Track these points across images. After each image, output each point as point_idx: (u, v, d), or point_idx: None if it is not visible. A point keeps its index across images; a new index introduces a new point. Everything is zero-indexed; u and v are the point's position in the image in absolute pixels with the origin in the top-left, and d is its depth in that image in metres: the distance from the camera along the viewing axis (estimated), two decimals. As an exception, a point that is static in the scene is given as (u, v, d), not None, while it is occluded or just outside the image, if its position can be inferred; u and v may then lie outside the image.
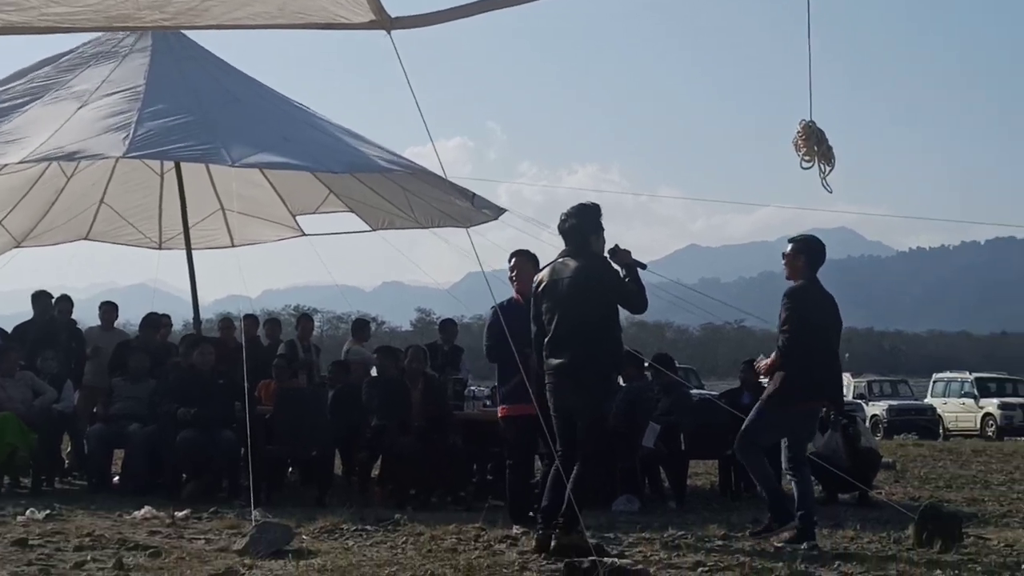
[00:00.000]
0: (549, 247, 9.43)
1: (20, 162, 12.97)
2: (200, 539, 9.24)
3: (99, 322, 15.80)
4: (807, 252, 9.83)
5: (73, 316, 15.59)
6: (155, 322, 15.31)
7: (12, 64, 15.73)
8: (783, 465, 9.88)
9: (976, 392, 40.42)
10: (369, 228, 17.38)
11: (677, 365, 15.29)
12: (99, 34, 15.20)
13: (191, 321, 17.27)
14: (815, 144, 9.97)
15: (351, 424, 13.10)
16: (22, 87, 14.29)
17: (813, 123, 10.02)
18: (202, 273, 17.01)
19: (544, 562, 8.18)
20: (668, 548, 9.05)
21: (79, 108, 13.63)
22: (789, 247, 9.93)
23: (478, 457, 13.57)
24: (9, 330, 15.32)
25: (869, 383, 45.94)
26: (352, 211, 17.17)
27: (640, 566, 7.34)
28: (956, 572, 7.70)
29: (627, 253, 9.13)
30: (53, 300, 15.41)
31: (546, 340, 9.02)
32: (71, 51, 15.04)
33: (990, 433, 38.14)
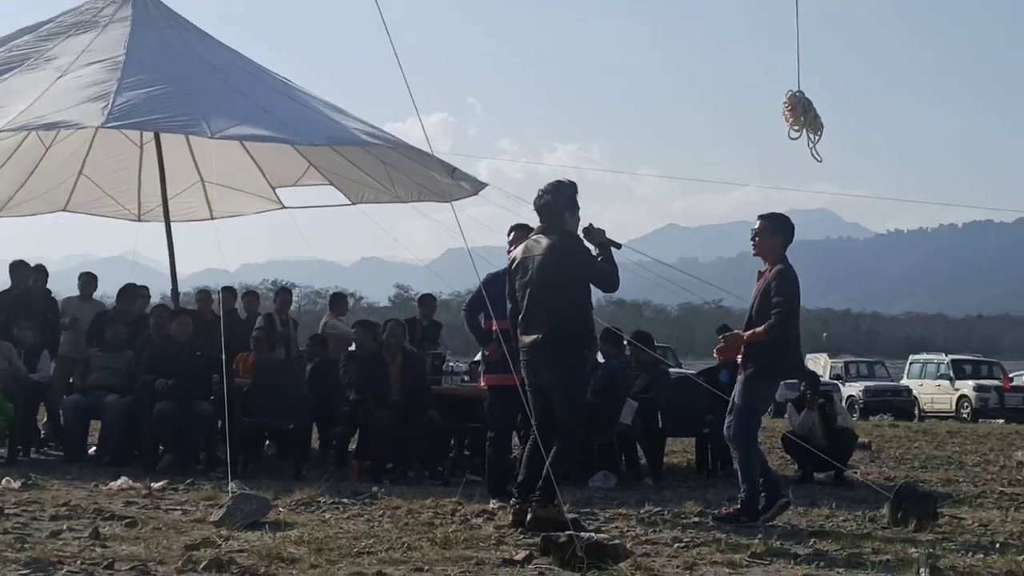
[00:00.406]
0: (529, 224, 9.42)
1: (-2, 131, 12.90)
2: (177, 510, 9.23)
3: (77, 293, 15.73)
4: (785, 232, 9.76)
5: (49, 287, 15.50)
6: (132, 293, 15.24)
7: (-9, 33, 15.58)
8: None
9: (952, 374, 40.57)
10: (349, 202, 17.32)
11: (655, 344, 15.29)
12: (80, 2, 15.14)
13: (169, 293, 17.21)
14: (802, 114, 9.97)
15: (329, 398, 13.09)
16: (1, 56, 14.20)
17: (800, 93, 10.01)
18: (181, 246, 16.94)
19: (521, 536, 8.20)
20: (645, 524, 9.08)
21: (58, 78, 13.55)
22: (761, 224, 9.77)
23: (456, 432, 13.59)
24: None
25: (846, 364, 46.09)
26: (332, 184, 17.11)
27: (616, 541, 7.35)
28: (930, 551, 7.74)
29: (601, 232, 9.11)
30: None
31: (519, 316, 9.04)
32: (50, 20, 14.96)
33: (965, 415, 38.30)
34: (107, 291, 20.07)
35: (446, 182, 14.79)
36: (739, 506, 9.46)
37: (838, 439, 13.43)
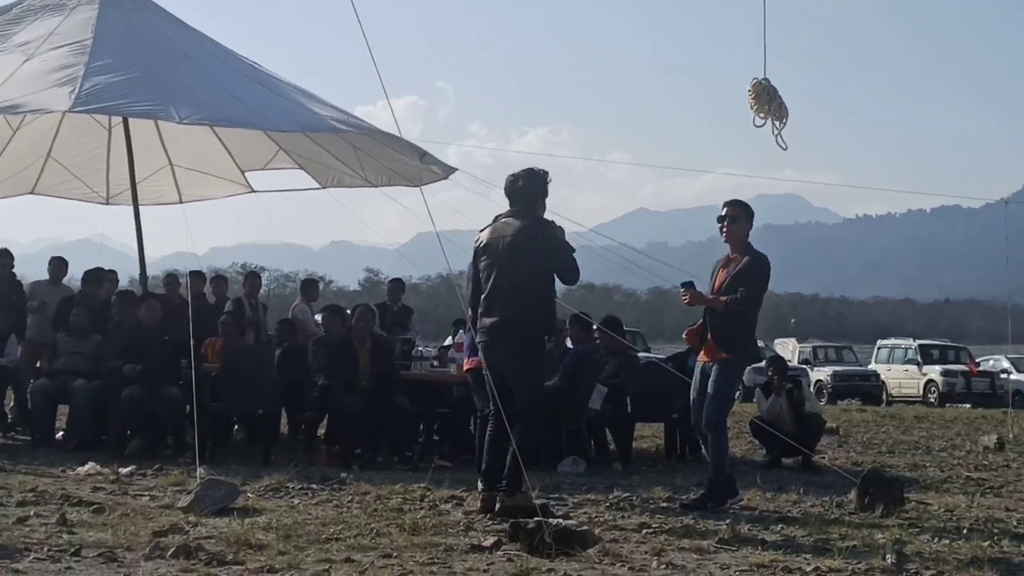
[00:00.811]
0: (499, 208, 9.40)
1: (-36, 115, 12.80)
2: (144, 496, 9.22)
3: (46, 276, 15.62)
4: (750, 218, 9.86)
5: (17, 271, 15.40)
6: (97, 277, 15.14)
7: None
8: (702, 423, 9.77)
9: (919, 359, 40.73)
10: (318, 186, 17.28)
11: (625, 328, 15.31)
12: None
13: (137, 277, 17.13)
14: (767, 102, 9.99)
15: (298, 383, 13.06)
16: (-33, 39, 14.09)
17: (765, 80, 10.03)
18: (149, 229, 16.85)
19: (489, 522, 8.22)
20: (613, 509, 9.11)
21: (25, 61, 13.46)
22: (731, 210, 9.79)
23: (425, 417, 13.59)
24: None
25: (814, 349, 46.27)
26: (301, 168, 17.06)
27: (585, 527, 7.37)
28: (897, 537, 7.79)
29: (561, 230, 9.17)
30: (-3, 254, 15.21)
31: (482, 298, 9.03)
32: (18, 2, 14.83)
33: (932, 400, 38.47)
34: (75, 275, 20.00)
35: (415, 165, 14.75)
36: (705, 492, 9.52)
37: (806, 424, 13.48)
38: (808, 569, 6.66)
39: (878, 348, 44.41)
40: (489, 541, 7.21)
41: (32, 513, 8.01)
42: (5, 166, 16.80)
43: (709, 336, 9.64)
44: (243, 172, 17.71)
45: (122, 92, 12.93)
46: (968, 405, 35.73)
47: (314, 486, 9.94)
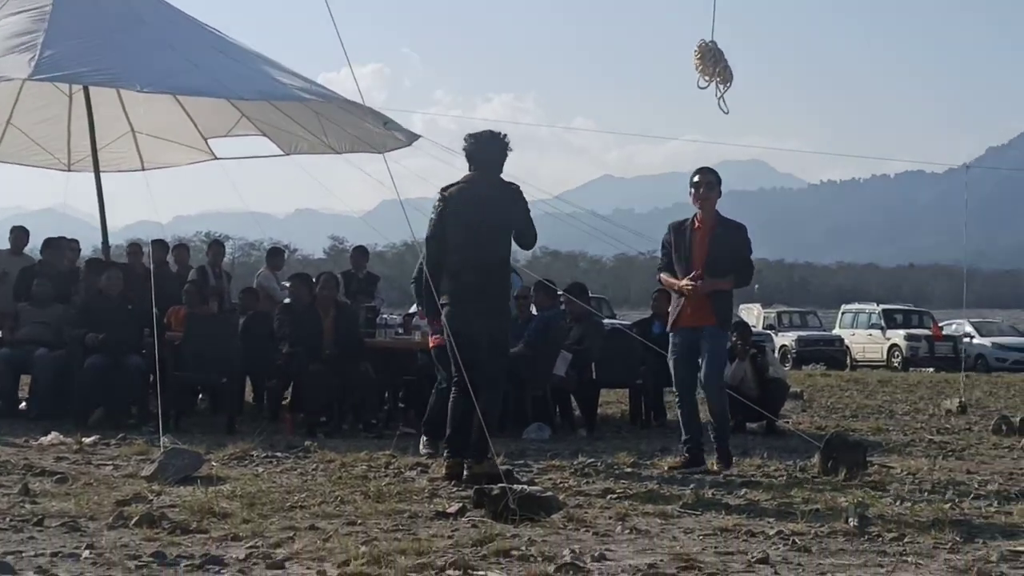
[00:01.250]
0: (463, 174, 9.35)
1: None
2: (108, 465, 9.17)
3: (7, 246, 15.51)
4: (720, 186, 10.02)
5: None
6: (56, 244, 15.03)
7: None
8: (702, 380, 9.96)
9: (883, 323, 40.98)
10: (282, 152, 17.18)
11: (590, 295, 15.33)
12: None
13: (100, 246, 17.01)
14: (712, 64, 10.02)
15: (261, 351, 13.03)
16: (-77, 5, 13.91)
17: (712, 43, 10.06)
18: (113, 198, 16.77)
19: (454, 489, 8.22)
20: (578, 475, 9.12)
21: (-17, 27, 13.30)
22: (705, 177, 9.93)
23: (390, 385, 13.58)
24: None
25: (778, 314, 46.46)
26: (264, 135, 16.96)
27: (549, 493, 7.38)
28: (859, 500, 7.83)
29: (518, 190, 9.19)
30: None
31: (450, 261, 8.94)
32: (-25, -32, 14.64)
33: (896, 364, 38.73)
34: (38, 244, 19.90)
35: (379, 132, 14.69)
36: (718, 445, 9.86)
37: (770, 389, 13.55)
38: (771, 532, 6.68)
39: (842, 313, 44.68)
40: (454, 508, 7.21)
41: (-6, 483, 7.97)
42: (-36, 135, 16.64)
43: (687, 304, 9.78)
44: (206, 139, 17.58)
45: (82, 60, 12.79)
46: (931, 369, 35.98)
47: (278, 454, 9.93)
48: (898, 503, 7.94)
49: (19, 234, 15.58)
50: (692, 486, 8.54)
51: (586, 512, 7.33)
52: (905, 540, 6.53)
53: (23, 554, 5.70)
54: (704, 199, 9.90)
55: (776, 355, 32.33)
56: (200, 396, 14.86)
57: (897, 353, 39.39)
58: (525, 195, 9.14)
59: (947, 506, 7.80)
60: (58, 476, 8.35)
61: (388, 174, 10.52)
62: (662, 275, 10.17)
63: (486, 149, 9.04)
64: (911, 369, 37.05)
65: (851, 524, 6.88)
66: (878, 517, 7.25)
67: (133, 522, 6.49)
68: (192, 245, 19.48)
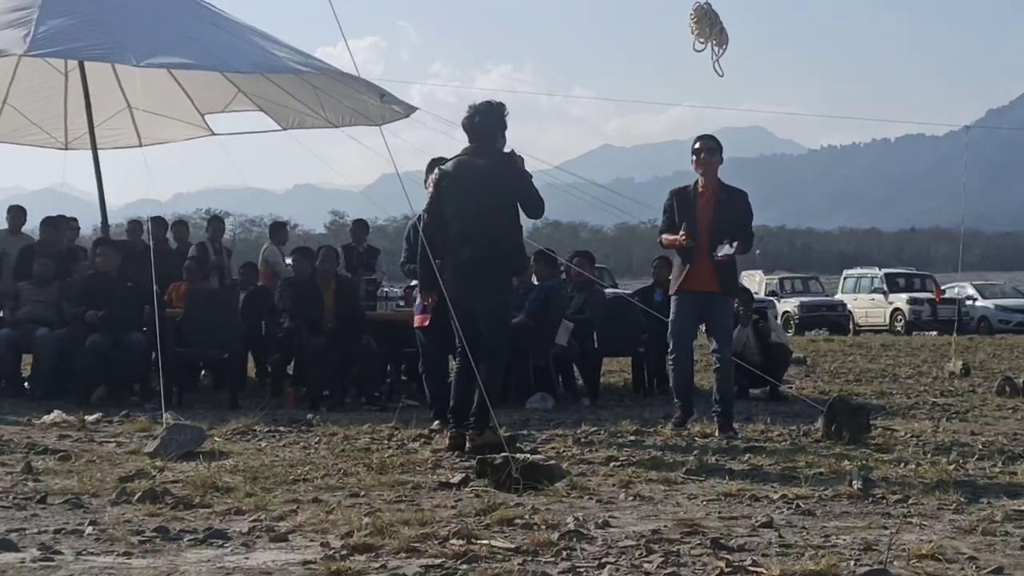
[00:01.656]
0: (462, 147, 9.31)
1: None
2: (111, 442, 9.17)
3: (5, 226, 15.48)
4: (721, 152, 10.03)
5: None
6: (55, 223, 14.98)
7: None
8: (718, 355, 10.10)
9: (885, 288, 40.94)
10: (279, 127, 17.15)
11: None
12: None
13: (99, 225, 16.99)
14: (707, 26, 9.98)
15: (264, 326, 13.01)
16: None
17: (707, 5, 10.02)
18: (111, 177, 16.73)
19: (457, 459, 8.22)
20: (581, 444, 9.11)
21: (-24, 5, 13.26)
22: (706, 143, 9.96)
23: (392, 357, 13.57)
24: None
25: (781, 280, 46.48)
26: (261, 110, 16.92)
27: (552, 462, 7.37)
28: (863, 463, 7.82)
29: (521, 159, 9.11)
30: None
31: (450, 235, 8.91)
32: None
33: (899, 328, 38.72)
34: (37, 224, 19.90)
35: (376, 105, 14.65)
36: (723, 420, 9.86)
37: (772, 355, 13.55)
38: (775, 497, 6.68)
39: (844, 278, 44.65)
40: (457, 478, 7.20)
41: (-3, 462, 7.96)
42: (-39, 114, 16.61)
43: (692, 269, 9.80)
44: (202, 115, 17.56)
45: (77, 35, 12.79)
46: (934, 332, 35.99)
47: (281, 428, 9.93)
48: (902, 465, 7.93)
49: (17, 213, 15.53)
50: (696, 452, 8.52)
51: (589, 480, 7.32)
52: (909, 502, 6.52)
53: (26, 531, 5.69)
54: (706, 164, 9.94)
55: (779, 321, 32.35)
56: (203, 372, 14.85)
57: (900, 317, 39.37)
58: (525, 165, 9.09)
59: (951, 467, 7.79)
60: (61, 454, 8.34)
61: (386, 147, 10.48)
62: (664, 236, 10.13)
63: (481, 121, 8.97)
64: (914, 333, 37.05)
65: (855, 487, 6.87)
66: (882, 479, 7.24)
67: (136, 498, 6.48)
68: (192, 222, 19.49)
